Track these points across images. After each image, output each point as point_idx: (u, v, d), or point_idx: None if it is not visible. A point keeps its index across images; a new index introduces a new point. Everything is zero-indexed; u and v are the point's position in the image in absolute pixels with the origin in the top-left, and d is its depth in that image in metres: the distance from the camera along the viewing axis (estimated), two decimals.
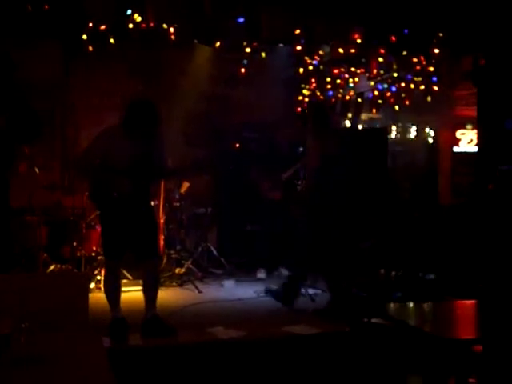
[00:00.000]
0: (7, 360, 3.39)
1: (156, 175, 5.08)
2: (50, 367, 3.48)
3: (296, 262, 5.95)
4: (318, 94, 8.58)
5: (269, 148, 7.87)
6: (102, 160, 4.66)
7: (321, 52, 7.88)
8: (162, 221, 6.91)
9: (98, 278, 6.26)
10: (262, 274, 7.43)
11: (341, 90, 8.41)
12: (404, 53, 7.28)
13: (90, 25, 6.44)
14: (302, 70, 8.21)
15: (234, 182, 7.03)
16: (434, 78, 7.44)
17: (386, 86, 8.00)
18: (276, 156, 7.57)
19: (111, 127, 4.88)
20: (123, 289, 5.21)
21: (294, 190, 7.05)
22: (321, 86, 8.50)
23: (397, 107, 7.97)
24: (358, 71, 8.09)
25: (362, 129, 8.63)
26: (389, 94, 7.96)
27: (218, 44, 6.96)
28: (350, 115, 8.41)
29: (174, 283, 6.82)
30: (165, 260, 6.92)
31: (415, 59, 7.40)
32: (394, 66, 7.73)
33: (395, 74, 7.79)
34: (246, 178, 7.72)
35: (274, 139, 7.97)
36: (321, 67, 8.10)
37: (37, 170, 6.12)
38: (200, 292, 6.50)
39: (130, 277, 6.32)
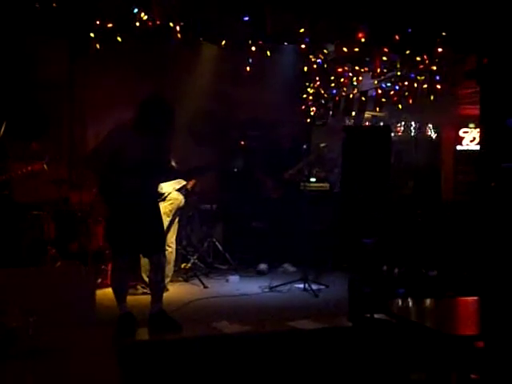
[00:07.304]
0: (15, 352, 3.47)
1: (163, 174, 5.12)
2: (57, 360, 3.55)
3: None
4: (322, 91, 8.64)
5: (273, 146, 7.92)
6: (113, 157, 4.63)
7: (325, 51, 7.93)
8: None
9: (105, 272, 6.29)
10: (263, 267, 7.50)
11: (345, 89, 8.44)
12: (407, 52, 7.31)
13: (97, 22, 6.50)
14: (306, 68, 8.26)
15: (239, 179, 7.07)
16: (437, 77, 7.46)
17: (389, 84, 8.00)
18: (280, 154, 7.63)
19: (123, 125, 4.81)
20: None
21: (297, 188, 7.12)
22: (325, 84, 8.56)
23: (400, 106, 8.00)
24: (362, 70, 8.12)
25: (365, 126, 8.67)
26: (392, 92, 7.97)
27: (223, 42, 7.01)
28: (353, 113, 8.45)
29: (180, 278, 6.89)
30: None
31: (419, 58, 7.40)
32: (398, 65, 7.75)
33: (399, 73, 7.81)
34: (250, 175, 7.78)
35: (278, 137, 8.02)
36: (325, 66, 8.15)
37: (45, 166, 6.15)
38: (205, 287, 6.56)
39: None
